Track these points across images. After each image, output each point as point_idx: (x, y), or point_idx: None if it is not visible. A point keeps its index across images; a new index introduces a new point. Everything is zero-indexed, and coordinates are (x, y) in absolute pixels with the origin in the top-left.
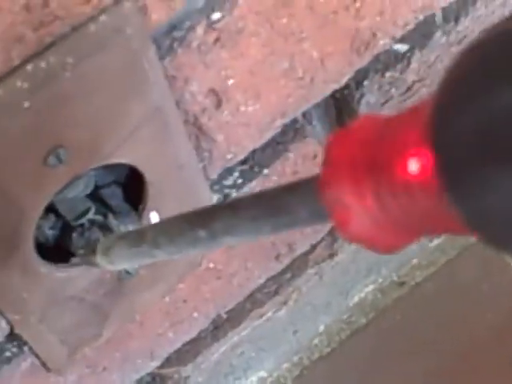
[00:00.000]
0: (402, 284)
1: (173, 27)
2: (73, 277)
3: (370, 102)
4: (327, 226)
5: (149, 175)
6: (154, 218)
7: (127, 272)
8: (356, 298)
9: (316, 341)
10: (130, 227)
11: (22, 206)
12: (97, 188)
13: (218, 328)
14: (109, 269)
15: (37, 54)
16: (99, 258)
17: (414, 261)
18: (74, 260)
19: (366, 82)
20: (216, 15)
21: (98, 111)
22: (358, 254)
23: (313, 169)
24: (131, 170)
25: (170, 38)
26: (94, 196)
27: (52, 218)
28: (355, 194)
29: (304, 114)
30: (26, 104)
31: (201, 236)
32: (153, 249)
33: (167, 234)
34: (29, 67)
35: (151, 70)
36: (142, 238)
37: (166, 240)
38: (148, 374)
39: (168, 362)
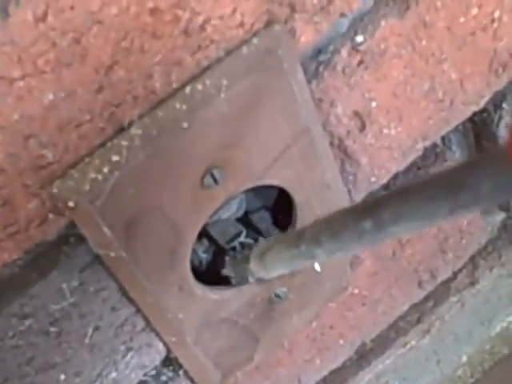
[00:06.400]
0: None
1: (318, 51)
2: (225, 299)
3: (509, 124)
4: (469, 252)
5: (298, 196)
6: None
7: (277, 295)
8: (498, 328)
9: (459, 372)
10: None
11: (180, 226)
12: (246, 213)
13: (362, 356)
14: (261, 276)
15: (194, 77)
16: (253, 265)
17: None
18: (224, 270)
19: (504, 105)
20: (359, 38)
21: (250, 131)
22: (498, 282)
23: None
24: (279, 194)
25: (315, 62)
26: (244, 221)
27: (205, 242)
28: None
29: (443, 139)
30: (185, 125)
31: (366, 228)
32: (313, 248)
33: (329, 230)
34: (187, 90)
35: (299, 92)
36: (300, 237)
37: (327, 236)
38: None
39: None
